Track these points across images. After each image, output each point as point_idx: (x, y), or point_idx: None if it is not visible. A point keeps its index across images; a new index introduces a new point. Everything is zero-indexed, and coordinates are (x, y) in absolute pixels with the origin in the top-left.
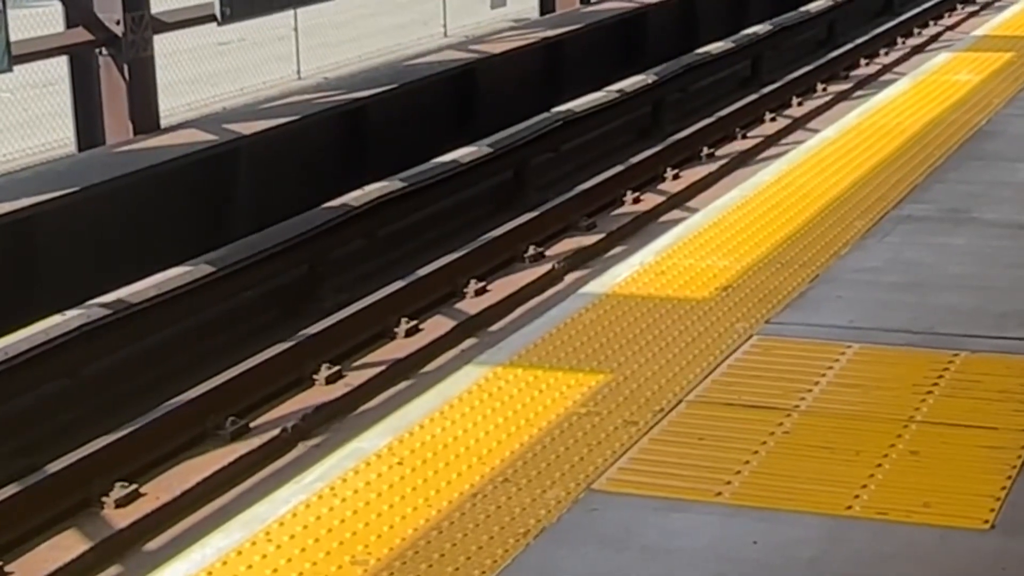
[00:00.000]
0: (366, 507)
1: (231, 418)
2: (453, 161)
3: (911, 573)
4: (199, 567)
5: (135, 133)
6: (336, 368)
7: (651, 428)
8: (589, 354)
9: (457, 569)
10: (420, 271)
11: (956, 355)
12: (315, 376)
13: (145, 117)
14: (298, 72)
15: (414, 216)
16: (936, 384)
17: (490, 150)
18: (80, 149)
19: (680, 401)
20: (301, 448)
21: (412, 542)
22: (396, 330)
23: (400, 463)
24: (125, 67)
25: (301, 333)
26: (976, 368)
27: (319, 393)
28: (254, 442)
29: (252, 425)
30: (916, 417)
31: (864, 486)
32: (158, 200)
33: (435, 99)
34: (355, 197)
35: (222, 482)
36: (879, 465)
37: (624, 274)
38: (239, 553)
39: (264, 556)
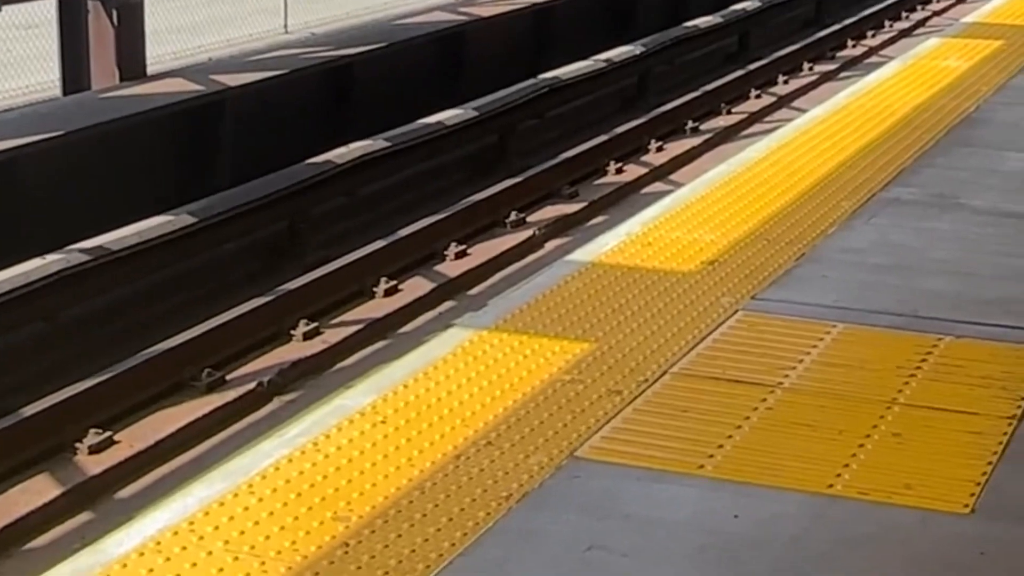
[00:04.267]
0: (349, 464)
1: (207, 370)
2: (438, 123)
3: (891, 554)
4: (181, 516)
5: (121, 80)
6: (314, 325)
7: (635, 398)
8: (574, 322)
9: (439, 530)
10: (401, 232)
11: (940, 339)
12: (293, 332)
13: (132, 64)
14: (285, 26)
15: (397, 176)
16: (919, 367)
17: (475, 114)
18: (65, 93)
19: (664, 373)
20: (276, 403)
21: (394, 501)
22: (375, 289)
23: (383, 422)
24: (114, 12)
25: (280, 288)
26: (959, 353)
27: (296, 349)
28: (229, 395)
29: (228, 378)
30: (899, 399)
31: (846, 465)
32: (142, 148)
33: (422, 60)
34: (338, 154)
35: (196, 433)
36: (861, 445)
37: (611, 244)
38: (221, 504)
39: (246, 508)
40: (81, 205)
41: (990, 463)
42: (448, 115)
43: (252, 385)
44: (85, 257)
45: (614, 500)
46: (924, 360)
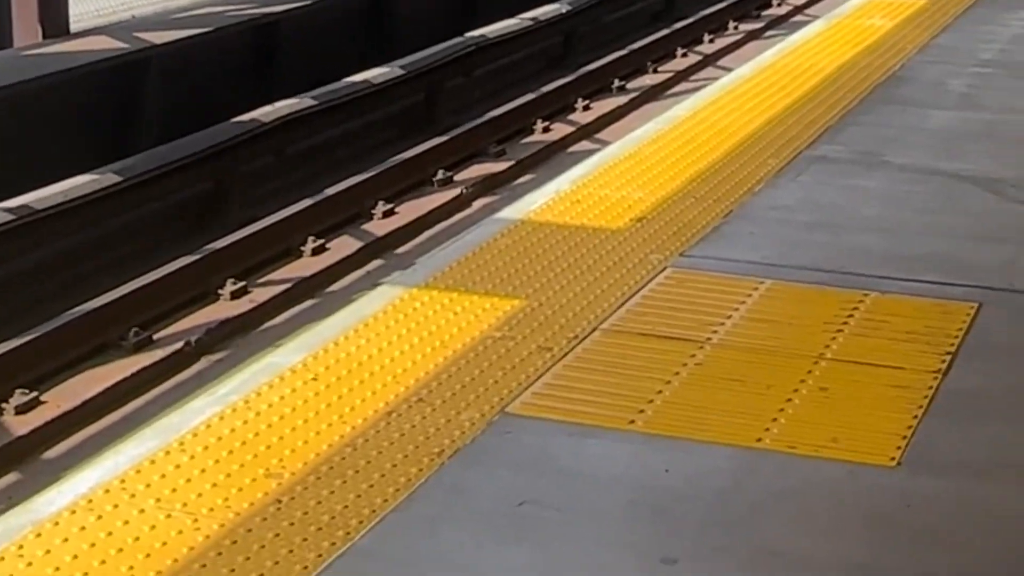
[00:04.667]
0: (280, 421)
1: (134, 329)
2: (365, 81)
3: (819, 506)
4: (112, 474)
5: (44, 37)
6: (241, 284)
7: (565, 355)
8: (504, 279)
9: (372, 486)
10: (328, 190)
11: (866, 295)
12: (220, 291)
13: (55, 21)
14: None
15: (323, 135)
16: (846, 323)
17: (402, 72)
18: None
19: (594, 329)
20: (204, 362)
21: (327, 458)
22: (303, 248)
23: (315, 379)
24: None
25: (207, 247)
26: (885, 308)
27: (223, 308)
28: (157, 354)
29: (155, 337)
30: (826, 354)
31: (774, 419)
32: (66, 106)
33: (349, 17)
34: (265, 113)
35: (124, 392)
36: (789, 400)
37: (540, 201)
38: (152, 462)
39: (178, 466)
40: (3, 164)
41: (916, 417)
42: (375, 73)
43: (179, 344)
44: (9, 216)
45: (546, 456)
46: (851, 316)
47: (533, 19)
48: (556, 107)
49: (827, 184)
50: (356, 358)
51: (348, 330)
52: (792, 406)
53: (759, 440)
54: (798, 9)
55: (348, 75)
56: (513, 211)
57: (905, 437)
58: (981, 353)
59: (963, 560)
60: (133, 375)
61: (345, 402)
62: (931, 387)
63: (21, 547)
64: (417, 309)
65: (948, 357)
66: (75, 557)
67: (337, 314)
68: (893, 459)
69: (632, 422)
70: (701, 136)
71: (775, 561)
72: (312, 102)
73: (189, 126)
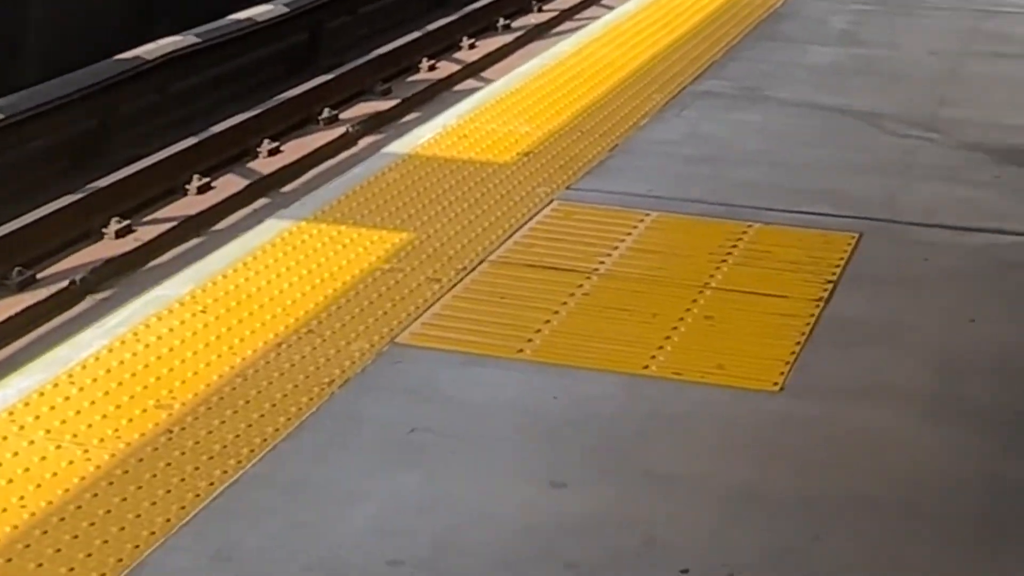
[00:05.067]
0: (170, 353)
1: (18, 268)
2: (249, 19)
3: (705, 431)
4: (0, 407)
5: None
6: (126, 223)
7: (454, 286)
8: (392, 212)
9: (263, 416)
10: (213, 129)
11: (750, 226)
12: (104, 230)
13: None
14: None
15: (207, 73)
16: (730, 253)
17: (286, 9)
18: None
19: (483, 261)
20: (90, 301)
21: (217, 388)
22: (188, 187)
23: (203, 311)
24: None
25: (90, 186)
26: (768, 239)
27: (108, 247)
28: (41, 293)
29: (40, 276)
30: (711, 283)
31: (661, 347)
32: None
33: None
34: (148, 50)
35: (9, 332)
36: (675, 328)
37: (426, 136)
38: (41, 394)
39: (67, 398)
40: None
41: (798, 343)
42: (259, 11)
43: (64, 283)
44: None
45: (436, 384)
46: (735, 246)
47: None
48: (441, 46)
49: (711, 119)
50: (244, 290)
51: (236, 263)
52: (678, 334)
53: (646, 367)
54: None
55: (232, 12)
56: (400, 146)
57: (788, 363)
58: (861, 281)
59: (844, 481)
60: (18, 314)
61: (234, 333)
62: (813, 315)
63: None
64: (305, 242)
65: (830, 285)
66: None
67: (224, 247)
68: (776, 384)
69: (520, 351)
70: (587, 72)
71: (662, 483)
72: (196, 40)
73: (71, 63)
